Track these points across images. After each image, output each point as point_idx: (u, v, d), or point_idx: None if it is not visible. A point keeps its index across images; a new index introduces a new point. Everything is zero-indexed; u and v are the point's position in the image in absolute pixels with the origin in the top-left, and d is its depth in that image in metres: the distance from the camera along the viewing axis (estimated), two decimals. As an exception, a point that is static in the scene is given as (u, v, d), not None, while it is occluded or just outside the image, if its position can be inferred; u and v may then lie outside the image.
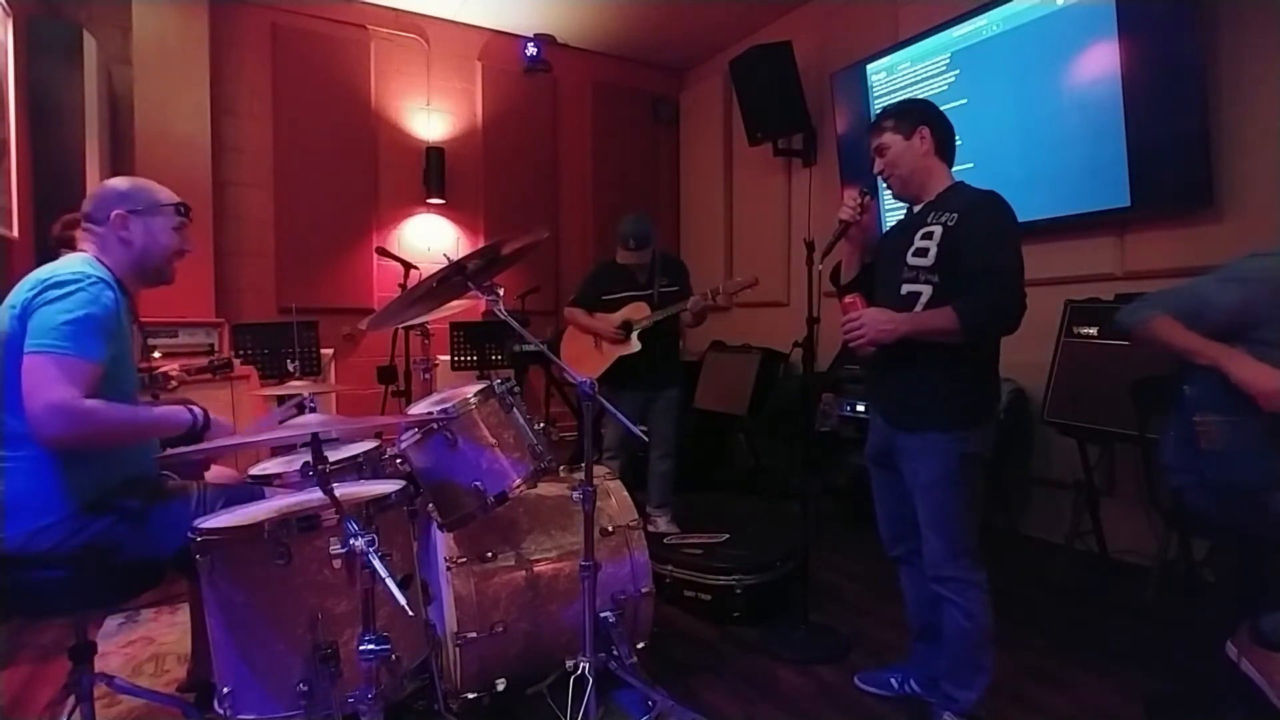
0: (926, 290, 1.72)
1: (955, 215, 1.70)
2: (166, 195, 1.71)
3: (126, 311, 1.61)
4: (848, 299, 1.80)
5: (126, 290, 1.63)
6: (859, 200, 1.87)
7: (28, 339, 1.42)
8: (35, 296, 1.45)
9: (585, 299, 3.35)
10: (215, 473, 1.94)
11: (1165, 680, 2.03)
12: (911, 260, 1.74)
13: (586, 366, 3.19)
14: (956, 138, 1.85)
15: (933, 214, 1.75)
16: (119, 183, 1.69)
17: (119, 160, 3.87)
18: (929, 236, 1.72)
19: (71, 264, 1.53)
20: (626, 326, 3.21)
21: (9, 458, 1.48)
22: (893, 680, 2.02)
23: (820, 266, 2.07)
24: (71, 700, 1.60)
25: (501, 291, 1.81)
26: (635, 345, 3.18)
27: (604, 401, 1.72)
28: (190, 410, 1.62)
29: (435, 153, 4.78)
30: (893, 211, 3.81)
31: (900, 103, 1.91)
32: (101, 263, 1.59)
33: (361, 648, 1.25)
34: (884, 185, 1.88)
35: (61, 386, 1.38)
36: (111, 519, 1.51)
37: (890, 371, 1.82)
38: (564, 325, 3.52)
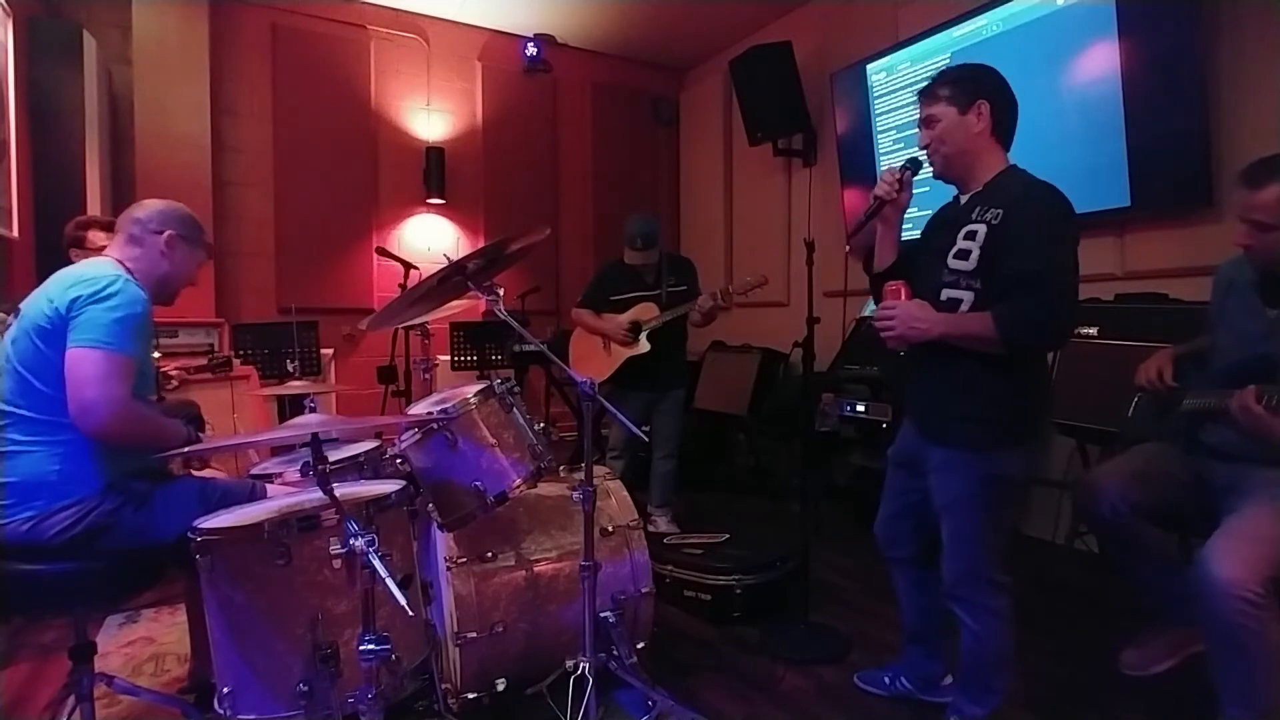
0: (968, 297, 1.57)
1: (1000, 212, 1.53)
2: (207, 237, 1.89)
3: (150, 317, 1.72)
4: (890, 285, 1.64)
5: None
6: (898, 176, 1.69)
7: (74, 333, 1.49)
8: (81, 296, 1.52)
9: (593, 300, 3.32)
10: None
11: (1165, 680, 2.02)
12: (953, 263, 1.59)
13: (595, 368, 3.18)
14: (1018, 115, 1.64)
15: (978, 209, 1.58)
16: (179, 207, 1.82)
17: (119, 160, 3.87)
18: (972, 236, 1.56)
19: (106, 267, 1.62)
20: (635, 327, 3.18)
21: (20, 441, 1.53)
22: (885, 678, 2.02)
23: (848, 247, 1.95)
24: (71, 700, 1.61)
25: (501, 291, 1.81)
26: (645, 346, 3.15)
27: (604, 402, 1.72)
28: (186, 429, 1.72)
29: (435, 153, 4.78)
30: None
31: (960, 68, 1.69)
32: (127, 268, 1.66)
33: (361, 648, 1.25)
34: (926, 162, 1.70)
35: (114, 382, 1.50)
36: (119, 501, 1.55)
37: (925, 379, 1.69)
38: (567, 326, 3.51)
